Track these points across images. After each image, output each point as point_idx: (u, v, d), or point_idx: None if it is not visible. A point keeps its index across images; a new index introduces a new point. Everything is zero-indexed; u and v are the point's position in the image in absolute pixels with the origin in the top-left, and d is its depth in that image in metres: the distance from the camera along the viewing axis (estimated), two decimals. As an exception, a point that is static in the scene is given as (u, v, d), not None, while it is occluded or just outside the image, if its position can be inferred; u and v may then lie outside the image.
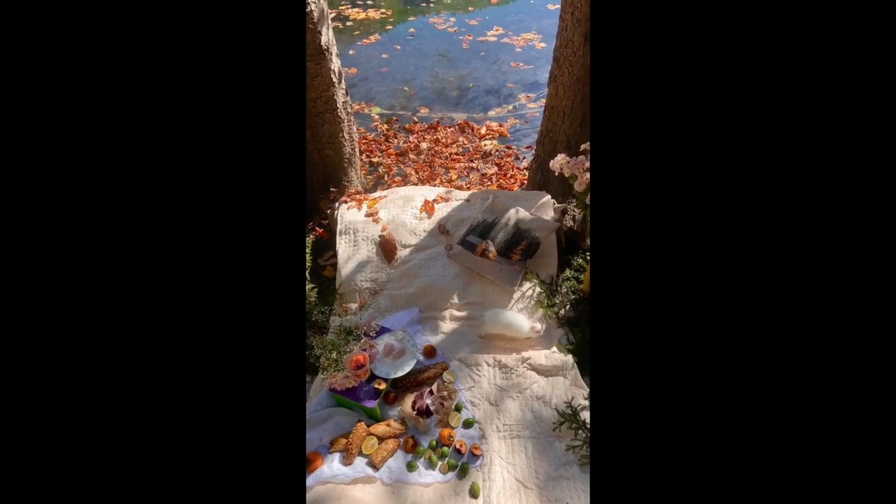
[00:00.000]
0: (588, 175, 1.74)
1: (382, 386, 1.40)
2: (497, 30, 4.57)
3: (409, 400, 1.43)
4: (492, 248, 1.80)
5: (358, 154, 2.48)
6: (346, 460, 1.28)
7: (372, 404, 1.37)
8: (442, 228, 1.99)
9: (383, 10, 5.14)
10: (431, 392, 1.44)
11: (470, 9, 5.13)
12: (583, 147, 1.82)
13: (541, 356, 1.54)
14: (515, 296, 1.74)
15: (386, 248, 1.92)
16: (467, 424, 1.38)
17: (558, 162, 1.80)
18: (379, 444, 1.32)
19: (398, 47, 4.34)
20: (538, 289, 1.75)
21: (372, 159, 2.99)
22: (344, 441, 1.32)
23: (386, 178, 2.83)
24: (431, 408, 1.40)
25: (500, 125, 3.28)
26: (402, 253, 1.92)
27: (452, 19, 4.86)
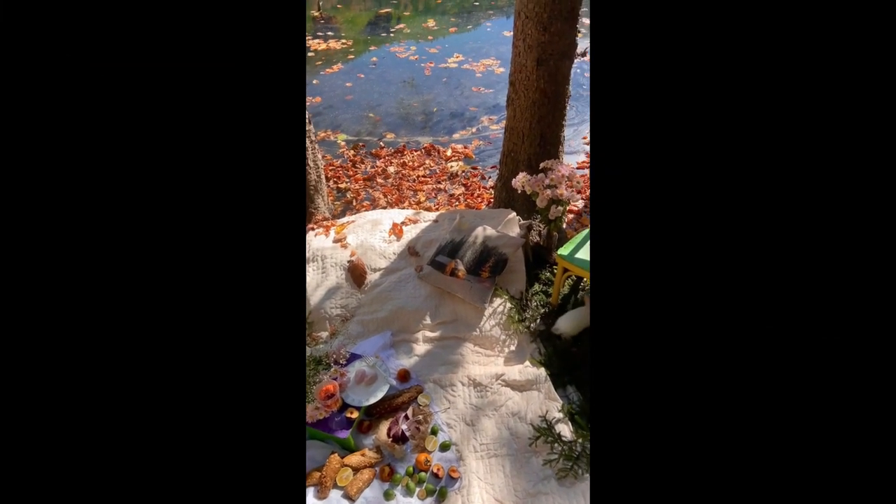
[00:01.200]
0: (548, 191, 1.81)
1: (355, 414, 1.37)
2: (457, 56, 4.74)
3: (383, 427, 1.40)
4: (461, 267, 1.82)
5: (324, 181, 2.48)
6: (321, 494, 1.23)
7: (345, 434, 1.33)
8: (411, 250, 2.00)
9: (344, 41, 5.25)
10: (406, 417, 1.41)
11: (429, 37, 5.31)
12: (542, 165, 1.89)
13: (514, 371, 1.54)
14: (487, 312, 1.76)
15: (355, 273, 1.91)
16: (444, 447, 1.36)
17: (520, 180, 1.86)
18: (354, 475, 1.28)
19: (362, 76, 4.42)
20: (509, 304, 1.78)
21: (339, 185, 2.99)
22: (317, 475, 1.27)
23: (354, 203, 2.83)
24: (407, 433, 1.37)
25: (465, 147, 3.36)
26: (373, 277, 1.92)
27: (413, 48, 5.01)
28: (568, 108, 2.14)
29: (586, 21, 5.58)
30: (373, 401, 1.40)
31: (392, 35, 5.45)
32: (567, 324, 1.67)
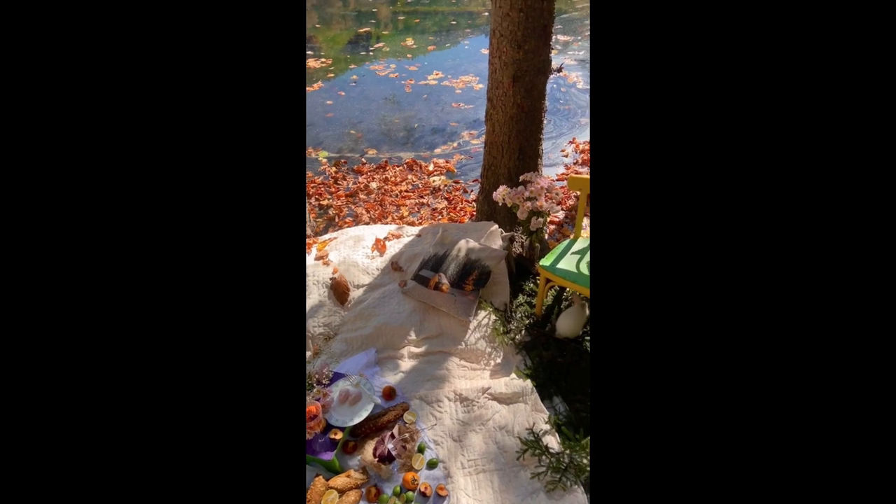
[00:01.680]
0: (528, 203, 1.83)
1: (339, 435, 1.34)
2: (437, 74, 4.83)
3: (369, 447, 1.37)
4: (444, 281, 1.82)
5: (306, 198, 2.47)
6: (305, 522, 1.19)
7: (329, 456, 1.30)
8: (395, 265, 1.99)
9: (323, 59, 5.29)
10: (392, 436, 1.39)
11: (408, 56, 5.40)
12: (521, 178, 1.92)
13: (500, 384, 1.54)
14: (472, 325, 1.75)
15: (338, 290, 1.89)
16: (431, 465, 1.34)
17: (500, 193, 1.88)
18: (340, 497, 1.24)
19: (342, 94, 4.45)
20: (493, 316, 1.78)
21: (322, 202, 2.98)
22: (301, 501, 1.23)
23: (337, 220, 2.82)
24: (393, 452, 1.35)
25: (447, 161, 3.40)
26: (356, 293, 1.90)
27: (393, 66, 5.09)
28: (545, 122, 2.19)
29: (562, 38, 5.76)
30: (357, 420, 1.38)
31: (371, 54, 5.52)
32: (566, 324, 1.70)
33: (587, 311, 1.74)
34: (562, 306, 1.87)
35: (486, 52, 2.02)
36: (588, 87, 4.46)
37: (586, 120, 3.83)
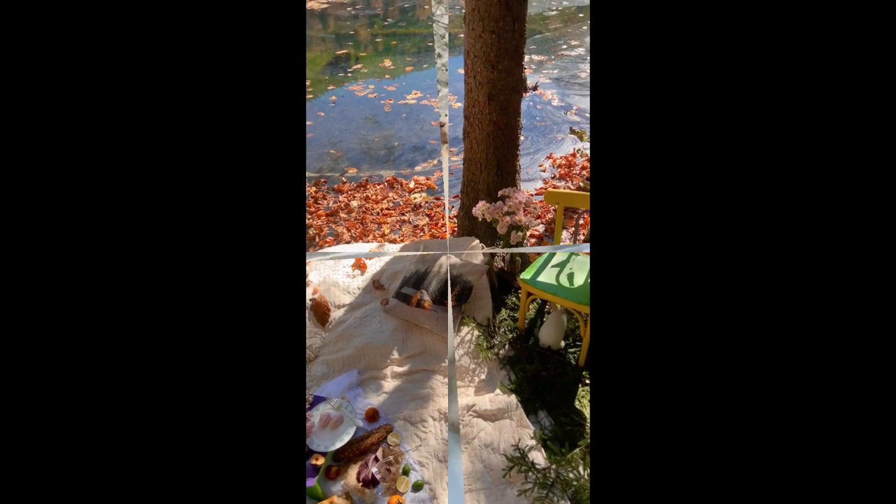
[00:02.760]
0: (507, 218, 1.85)
1: (321, 461, 1.29)
2: (415, 93, 4.90)
3: (353, 471, 1.33)
4: (426, 298, 1.81)
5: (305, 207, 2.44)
6: (285, 556, 1.14)
7: (311, 483, 1.25)
8: (377, 283, 1.98)
9: (305, 81, 5.32)
10: (376, 459, 1.35)
11: (386, 76, 5.48)
12: (500, 193, 1.95)
13: (485, 401, 1.52)
14: (455, 342, 1.74)
15: (318, 311, 1.86)
16: (417, 487, 1.31)
17: (479, 209, 1.90)
18: (322, 528, 1.20)
19: (322, 114, 4.47)
20: (476, 332, 1.77)
21: (301, 222, 2.95)
22: (281, 533, 1.18)
23: (318, 240, 2.79)
24: (377, 476, 1.31)
25: (428, 178, 3.42)
26: (337, 314, 1.87)
27: (371, 86, 5.15)
28: (522, 138, 2.24)
29: (536, 58, 5.94)
30: (339, 445, 1.34)
31: (350, 75, 5.58)
32: (548, 333, 1.71)
33: (565, 320, 1.75)
34: (544, 318, 1.88)
35: (463, 71, 2.07)
36: (563, 104, 4.59)
37: (563, 136, 3.93)
